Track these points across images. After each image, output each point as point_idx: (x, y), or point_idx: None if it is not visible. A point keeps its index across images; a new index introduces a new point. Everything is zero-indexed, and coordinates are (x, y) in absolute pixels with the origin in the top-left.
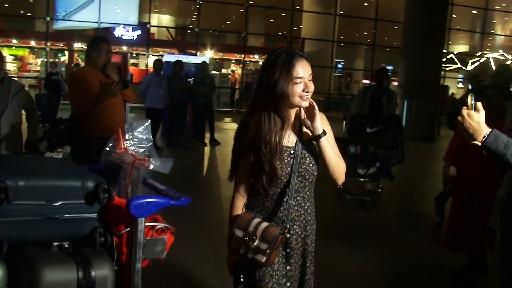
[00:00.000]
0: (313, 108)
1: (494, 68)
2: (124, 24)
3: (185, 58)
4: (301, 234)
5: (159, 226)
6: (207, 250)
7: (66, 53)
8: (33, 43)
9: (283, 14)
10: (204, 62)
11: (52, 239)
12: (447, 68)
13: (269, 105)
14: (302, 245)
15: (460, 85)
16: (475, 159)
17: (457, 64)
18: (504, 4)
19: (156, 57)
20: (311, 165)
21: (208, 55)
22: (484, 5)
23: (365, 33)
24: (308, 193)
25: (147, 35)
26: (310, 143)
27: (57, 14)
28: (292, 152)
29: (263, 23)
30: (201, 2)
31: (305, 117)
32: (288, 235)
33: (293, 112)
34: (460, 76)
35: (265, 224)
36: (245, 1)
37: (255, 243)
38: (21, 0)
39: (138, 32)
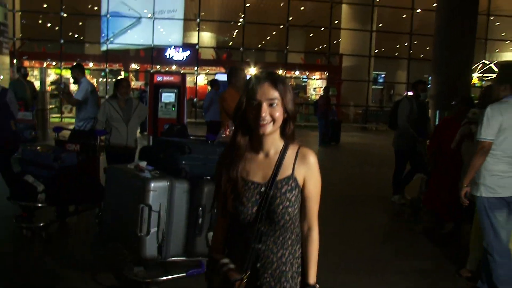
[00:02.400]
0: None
1: None
2: (175, 46)
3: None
4: (275, 286)
5: None
6: None
7: (122, 73)
8: (91, 65)
9: (322, 29)
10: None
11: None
12: (485, 78)
13: (237, 129)
14: None
15: None
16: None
17: (495, 73)
18: None
19: (203, 75)
20: (280, 206)
21: (251, 72)
22: None
23: (405, 44)
24: (280, 238)
25: (196, 55)
26: (287, 182)
27: (103, 35)
28: (262, 189)
29: (303, 40)
30: (242, 21)
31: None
32: (258, 283)
33: (269, 143)
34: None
35: (227, 267)
36: (285, 20)
37: (219, 286)
38: (70, 24)
39: (188, 52)
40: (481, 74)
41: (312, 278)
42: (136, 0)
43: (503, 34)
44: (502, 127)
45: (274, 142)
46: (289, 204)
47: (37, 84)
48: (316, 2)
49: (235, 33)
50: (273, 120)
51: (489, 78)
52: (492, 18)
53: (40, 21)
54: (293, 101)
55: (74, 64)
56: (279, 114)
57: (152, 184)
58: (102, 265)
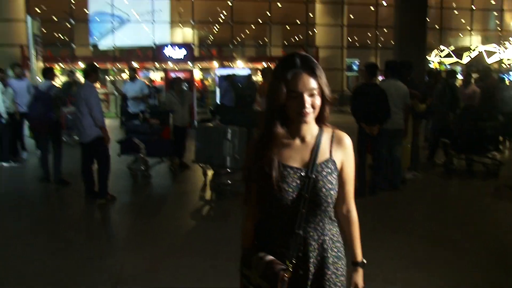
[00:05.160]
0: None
1: (487, 59)
2: (172, 44)
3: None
4: (316, 273)
5: None
6: None
7: (126, 71)
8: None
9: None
10: (250, 75)
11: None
12: (447, 62)
13: (274, 119)
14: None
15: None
16: None
17: (453, 58)
18: None
19: (198, 70)
20: (323, 189)
21: (239, 65)
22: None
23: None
24: (321, 224)
25: (192, 52)
26: (326, 166)
27: (94, 37)
28: (302, 174)
29: (281, 34)
30: (230, 22)
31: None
32: (301, 272)
33: (305, 129)
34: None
35: (268, 258)
36: (265, 16)
37: (258, 281)
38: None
39: (184, 50)
40: (443, 59)
41: (359, 256)
42: (124, 3)
43: (463, 21)
44: None
45: (310, 128)
46: (331, 186)
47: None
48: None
49: (215, 29)
50: (314, 109)
51: (449, 62)
52: (455, 11)
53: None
54: (328, 85)
55: (130, 68)
56: (319, 102)
57: (229, 129)
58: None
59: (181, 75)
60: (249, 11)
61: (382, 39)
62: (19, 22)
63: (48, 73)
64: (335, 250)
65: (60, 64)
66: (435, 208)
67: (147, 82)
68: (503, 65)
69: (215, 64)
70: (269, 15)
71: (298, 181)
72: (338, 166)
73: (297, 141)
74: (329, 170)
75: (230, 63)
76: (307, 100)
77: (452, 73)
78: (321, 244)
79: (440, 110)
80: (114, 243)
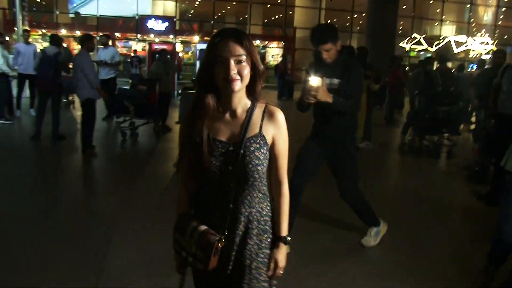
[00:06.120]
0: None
1: (455, 48)
2: (155, 17)
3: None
4: (239, 243)
5: None
6: None
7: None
8: (78, 32)
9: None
10: None
11: None
12: (416, 49)
13: (204, 90)
14: (239, 257)
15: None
16: None
17: (423, 45)
18: None
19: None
20: (250, 165)
21: None
22: None
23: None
24: (248, 197)
25: (174, 26)
26: (255, 141)
27: (74, 5)
28: (230, 148)
29: (261, 12)
30: None
31: None
32: (226, 243)
33: (236, 102)
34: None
35: (202, 228)
36: None
37: (192, 249)
38: None
39: (166, 23)
40: (413, 46)
41: (284, 231)
42: None
43: (437, 10)
44: None
45: (241, 101)
46: (258, 162)
47: None
48: None
49: (197, 3)
50: (241, 77)
51: (418, 49)
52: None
53: None
54: (259, 59)
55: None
56: (247, 71)
57: None
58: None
59: (163, 47)
60: None
61: (360, 23)
62: None
63: (55, 40)
64: (262, 223)
65: (43, 30)
66: (374, 176)
67: (125, 51)
68: (469, 55)
69: (195, 38)
70: None
71: (226, 156)
72: (269, 140)
73: (228, 115)
74: (257, 146)
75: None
76: (233, 65)
77: (429, 60)
78: (247, 216)
79: (411, 94)
80: (105, 185)
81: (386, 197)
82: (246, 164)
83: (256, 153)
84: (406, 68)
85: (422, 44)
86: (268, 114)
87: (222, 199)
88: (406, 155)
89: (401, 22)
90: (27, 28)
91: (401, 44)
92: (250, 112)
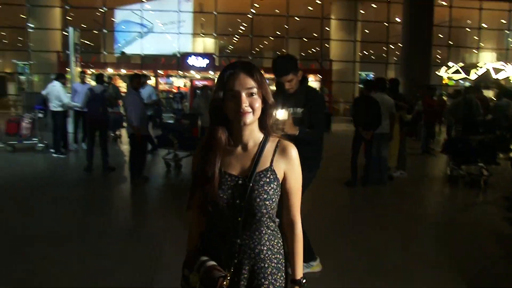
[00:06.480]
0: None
1: (494, 75)
2: (196, 54)
3: None
4: (252, 282)
5: None
6: None
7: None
8: (123, 71)
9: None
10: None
11: None
12: (455, 78)
13: (216, 124)
14: None
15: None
16: None
17: (462, 74)
18: None
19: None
20: (258, 199)
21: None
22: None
23: (384, 48)
24: (256, 233)
25: (213, 62)
26: (265, 175)
27: (119, 45)
28: (240, 182)
29: (297, 47)
30: (250, 35)
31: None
32: (235, 279)
33: (247, 135)
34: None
35: (209, 264)
36: (285, 31)
37: (197, 286)
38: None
39: (206, 60)
40: (451, 75)
41: (299, 274)
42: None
43: (475, 38)
44: None
45: (252, 134)
46: (266, 196)
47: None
48: (310, 18)
49: (235, 40)
50: (253, 110)
51: (455, 78)
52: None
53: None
54: (270, 91)
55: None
56: (258, 104)
57: None
58: None
59: (204, 83)
60: (268, 24)
61: (398, 53)
62: (55, 30)
63: (100, 79)
64: (275, 261)
65: (91, 69)
66: (408, 203)
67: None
68: (511, 81)
69: None
70: (287, 27)
71: (234, 189)
72: (279, 176)
73: (240, 148)
74: (267, 180)
75: None
76: (245, 98)
77: (470, 89)
78: (257, 253)
79: (450, 123)
80: (153, 211)
81: (416, 223)
82: (254, 198)
83: (265, 188)
84: (444, 97)
85: (460, 73)
86: (280, 149)
87: (230, 234)
88: (442, 185)
89: (438, 51)
90: (79, 69)
91: (438, 73)
92: (261, 145)
